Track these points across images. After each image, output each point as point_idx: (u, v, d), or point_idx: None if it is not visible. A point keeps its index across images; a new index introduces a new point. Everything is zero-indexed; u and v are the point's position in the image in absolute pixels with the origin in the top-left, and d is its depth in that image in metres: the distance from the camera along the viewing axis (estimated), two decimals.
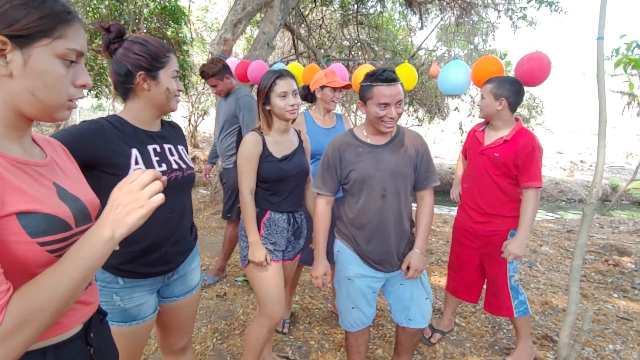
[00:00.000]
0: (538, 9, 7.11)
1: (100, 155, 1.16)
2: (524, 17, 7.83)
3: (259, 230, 1.76)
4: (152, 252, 1.28)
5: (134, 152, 1.22)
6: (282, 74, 1.71)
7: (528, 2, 7.20)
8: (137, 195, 0.68)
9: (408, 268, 1.74)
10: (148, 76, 1.23)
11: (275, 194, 1.78)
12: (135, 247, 1.24)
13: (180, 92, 1.31)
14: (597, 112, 2.08)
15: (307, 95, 2.54)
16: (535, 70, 2.28)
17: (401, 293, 1.82)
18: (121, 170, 1.18)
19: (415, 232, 1.80)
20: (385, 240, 1.70)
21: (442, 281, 3.50)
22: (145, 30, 6.52)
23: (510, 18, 7.90)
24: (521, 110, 12.22)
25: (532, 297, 3.28)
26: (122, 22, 6.35)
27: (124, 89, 1.26)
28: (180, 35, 7.18)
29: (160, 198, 0.70)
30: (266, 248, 1.75)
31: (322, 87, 2.40)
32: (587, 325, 2.09)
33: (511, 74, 2.54)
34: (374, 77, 1.62)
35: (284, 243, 1.83)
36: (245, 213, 1.71)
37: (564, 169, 15.88)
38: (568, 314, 2.14)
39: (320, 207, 1.76)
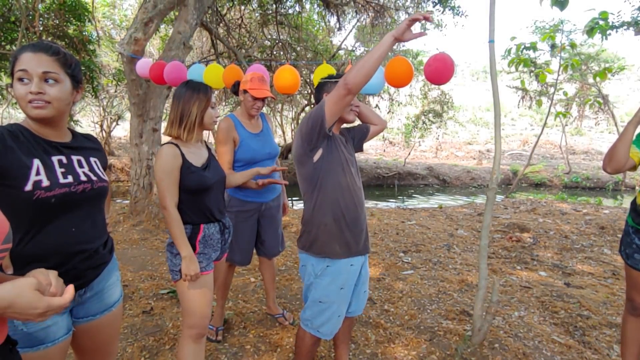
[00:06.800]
0: (443, 12, 7.75)
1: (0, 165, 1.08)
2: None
3: (195, 249, 1.72)
4: (57, 268, 1.18)
5: (36, 162, 1.14)
6: (209, 87, 1.79)
7: (434, 6, 7.81)
8: (33, 316, 0.75)
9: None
10: (11, 84, 1.16)
11: (202, 205, 1.74)
12: (38, 264, 1.13)
13: (40, 95, 1.12)
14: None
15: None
16: (440, 70, 2.47)
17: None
18: (19, 182, 1.10)
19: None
20: (359, 217, 1.86)
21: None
22: (41, 28, 5.86)
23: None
24: (434, 106, 13.23)
25: (450, 277, 3.58)
26: (13, 19, 5.64)
27: None
28: (84, 33, 6.58)
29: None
30: (200, 263, 1.72)
31: (245, 91, 2.36)
32: (496, 296, 2.35)
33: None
34: (337, 76, 1.93)
35: (218, 252, 1.84)
36: (174, 228, 1.65)
37: (474, 158, 17.50)
38: (479, 289, 2.38)
39: None
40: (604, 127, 16.70)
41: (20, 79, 1.13)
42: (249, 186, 2.14)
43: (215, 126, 1.95)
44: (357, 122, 2.15)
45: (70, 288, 0.83)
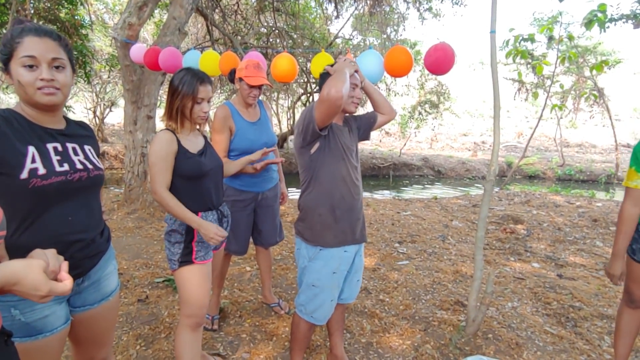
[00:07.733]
0: (442, 1, 7.68)
1: None
2: (429, 9, 8.39)
3: (193, 238, 1.70)
4: None
5: (31, 149, 1.11)
6: (204, 80, 1.67)
7: None
8: (34, 297, 0.75)
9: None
10: (4, 70, 1.12)
11: (199, 192, 1.72)
12: None
13: (51, 81, 1.11)
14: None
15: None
16: (441, 60, 2.44)
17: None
18: (14, 170, 1.07)
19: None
20: (355, 207, 1.87)
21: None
22: (32, 12, 5.72)
23: (418, 10, 8.41)
24: (431, 97, 13.19)
25: (445, 267, 3.61)
26: (3, 1, 5.49)
27: None
28: (76, 17, 6.44)
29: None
30: (198, 252, 1.70)
31: (241, 79, 2.32)
32: (490, 287, 2.36)
33: (421, 62, 2.70)
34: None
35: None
36: (171, 206, 1.61)
37: (469, 150, 17.54)
38: (474, 280, 2.39)
39: None
40: (598, 121, 16.80)
41: (27, 65, 1.10)
42: (246, 171, 2.12)
43: (211, 114, 1.92)
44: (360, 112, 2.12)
45: (67, 276, 0.82)
